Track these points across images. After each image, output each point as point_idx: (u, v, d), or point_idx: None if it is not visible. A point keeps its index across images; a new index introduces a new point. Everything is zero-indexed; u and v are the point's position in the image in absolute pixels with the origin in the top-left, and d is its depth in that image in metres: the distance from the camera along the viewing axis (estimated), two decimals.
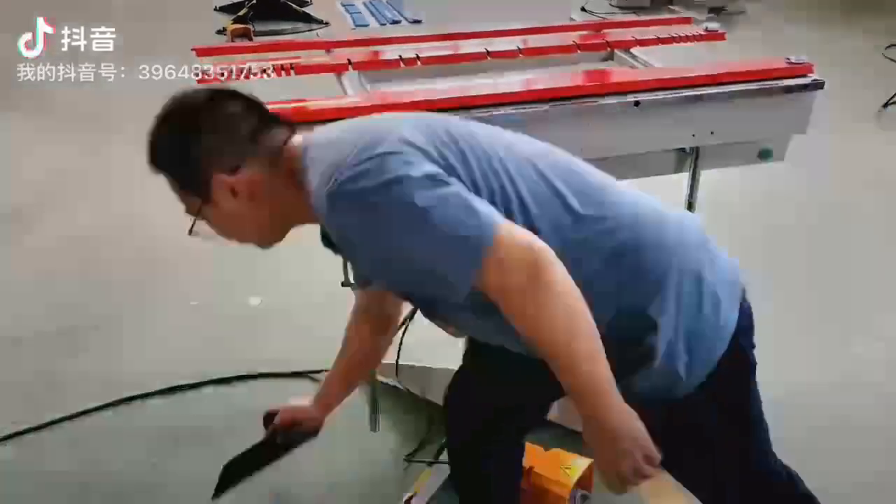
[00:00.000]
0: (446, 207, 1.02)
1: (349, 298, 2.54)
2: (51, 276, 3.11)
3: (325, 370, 2.50)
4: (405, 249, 1.05)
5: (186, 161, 1.21)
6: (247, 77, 1.89)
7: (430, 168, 1.05)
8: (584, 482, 1.99)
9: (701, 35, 2.13)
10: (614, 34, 2.14)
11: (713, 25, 2.14)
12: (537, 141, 1.26)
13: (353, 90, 1.84)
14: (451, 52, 2.03)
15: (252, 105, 1.23)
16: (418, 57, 1.96)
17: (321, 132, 1.25)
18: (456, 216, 1.02)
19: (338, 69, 1.92)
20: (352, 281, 1.81)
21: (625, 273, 1.15)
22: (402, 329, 2.19)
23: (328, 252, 1.36)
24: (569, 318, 1.02)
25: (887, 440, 2.25)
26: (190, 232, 1.30)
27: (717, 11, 6.36)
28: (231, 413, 2.38)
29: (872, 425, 2.30)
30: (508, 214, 1.09)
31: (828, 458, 2.05)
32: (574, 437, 2.20)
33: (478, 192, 1.09)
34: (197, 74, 1.89)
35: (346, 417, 2.36)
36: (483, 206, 1.05)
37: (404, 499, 1.99)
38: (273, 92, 1.78)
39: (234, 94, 1.23)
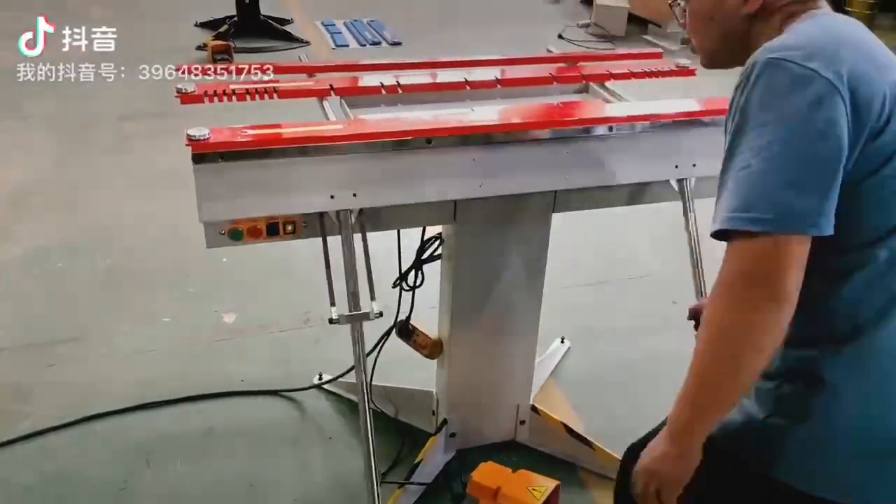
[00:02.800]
0: (787, 161, 1.00)
1: (324, 319, 2.55)
2: (22, 288, 3.09)
3: (299, 389, 2.53)
4: (730, 149, 1.07)
5: None
6: (229, 99, 1.92)
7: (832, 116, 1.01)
8: None
9: (672, 70, 2.21)
10: (589, 67, 2.20)
11: (684, 62, 2.23)
12: None
13: (334, 115, 1.88)
14: (431, 81, 2.08)
15: None
16: (399, 84, 2.01)
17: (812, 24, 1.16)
18: (778, 180, 1.00)
19: (320, 94, 1.96)
20: (337, 318, 1.73)
21: None
22: (377, 350, 2.22)
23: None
24: (730, 354, 1.04)
25: None
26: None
27: (689, 42, 6.51)
28: (203, 431, 2.38)
29: None
30: None
31: None
32: (541, 459, 2.24)
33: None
34: (178, 92, 1.91)
35: (319, 435, 2.38)
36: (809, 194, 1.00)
37: None
38: (255, 115, 1.81)
39: None
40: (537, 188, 1.81)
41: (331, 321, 1.70)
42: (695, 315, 1.52)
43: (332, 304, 1.70)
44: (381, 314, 1.74)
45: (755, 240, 1.01)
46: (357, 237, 1.73)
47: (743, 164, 1.03)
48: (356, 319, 1.72)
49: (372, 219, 1.75)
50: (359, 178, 1.63)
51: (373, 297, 1.73)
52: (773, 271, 1.00)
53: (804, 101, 1.01)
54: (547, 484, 2.01)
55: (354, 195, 1.65)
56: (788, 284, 1.00)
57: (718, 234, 1.05)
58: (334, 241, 1.72)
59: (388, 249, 2.04)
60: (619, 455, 2.18)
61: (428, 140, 1.64)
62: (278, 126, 1.67)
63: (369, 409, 1.78)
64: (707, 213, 1.26)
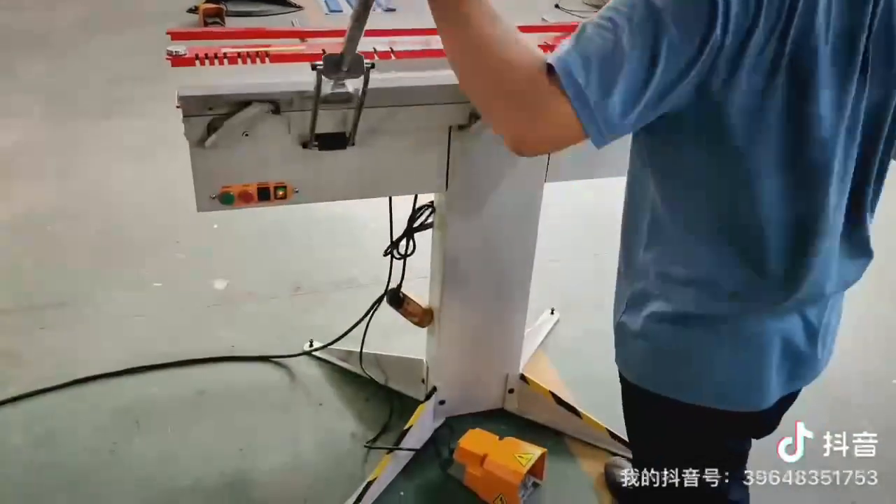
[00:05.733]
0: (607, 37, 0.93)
1: (314, 286, 2.58)
2: (11, 252, 3.07)
3: (289, 356, 2.55)
4: None
5: None
6: (220, 62, 1.89)
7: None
8: (536, 470, 2.06)
9: None
10: None
11: None
12: None
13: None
14: (425, 47, 2.06)
15: None
16: (393, 51, 1.99)
17: None
18: (594, 45, 0.93)
19: (312, 59, 1.93)
20: None
21: None
22: (368, 318, 2.23)
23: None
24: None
25: None
26: None
27: None
28: (192, 396, 2.39)
29: None
30: None
31: None
32: (529, 427, 2.27)
33: None
34: (169, 55, 1.88)
35: (308, 401, 2.40)
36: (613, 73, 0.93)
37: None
38: (247, 79, 1.79)
39: None
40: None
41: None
42: None
43: None
44: None
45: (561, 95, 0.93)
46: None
47: (606, 23, 0.94)
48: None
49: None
50: None
51: None
52: (548, 121, 0.95)
53: None
54: (533, 451, 2.03)
55: None
56: (543, 141, 0.99)
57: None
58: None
59: (380, 217, 2.04)
60: (606, 424, 2.23)
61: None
62: None
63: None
64: None
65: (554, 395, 2.27)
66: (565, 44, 0.96)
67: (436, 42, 2.08)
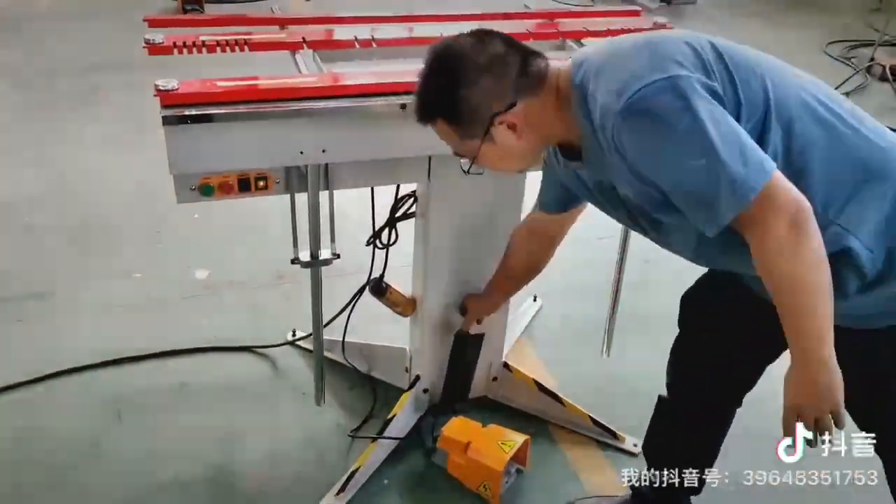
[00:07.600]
0: (727, 143, 1.11)
1: (297, 275, 2.56)
2: None
3: (271, 346, 2.54)
4: (682, 171, 1.15)
5: (467, 108, 1.25)
6: (199, 50, 1.87)
7: (710, 98, 1.14)
8: (519, 457, 2.07)
9: (649, 28, 2.19)
10: (567, 24, 2.18)
11: (661, 19, 2.21)
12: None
13: (307, 69, 1.84)
14: (407, 35, 2.05)
15: (509, 40, 1.29)
16: (374, 39, 1.97)
17: (587, 51, 1.31)
18: (734, 153, 1.11)
19: (292, 47, 1.92)
20: (301, 259, 1.83)
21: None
22: (351, 308, 2.22)
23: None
24: (816, 269, 1.13)
25: None
26: (468, 172, 1.36)
27: (667, 1, 6.48)
28: (174, 387, 2.38)
29: None
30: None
31: None
32: (513, 415, 2.28)
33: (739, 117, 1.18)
34: (147, 43, 1.86)
35: (292, 391, 2.39)
36: (755, 149, 1.14)
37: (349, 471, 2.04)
38: (226, 68, 1.77)
39: (493, 33, 1.29)
40: None
41: (293, 261, 1.84)
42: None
43: (295, 244, 1.83)
44: (338, 256, 1.85)
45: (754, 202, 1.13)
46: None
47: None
48: (315, 265, 1.83)
49: (344, 175, 1.73)
50: (328, 133, 1.61)
51: (332, 241, 1.87)
52: (781, 208, 1.12)
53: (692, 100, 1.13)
54: (517, 438, 2.05)
55: (324, 151, 1.63)
56: (793, 203, 1.13)
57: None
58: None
59: (363, 207, 2.03)
60: (588, 410, 2.25)
61: (402, 106, 1.61)
62: (249, 79, 1.63)
63: (322, 343, 1.97)
64: None
65: (537, 382, 2.28)
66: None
67: (417, 30, 2.08)
